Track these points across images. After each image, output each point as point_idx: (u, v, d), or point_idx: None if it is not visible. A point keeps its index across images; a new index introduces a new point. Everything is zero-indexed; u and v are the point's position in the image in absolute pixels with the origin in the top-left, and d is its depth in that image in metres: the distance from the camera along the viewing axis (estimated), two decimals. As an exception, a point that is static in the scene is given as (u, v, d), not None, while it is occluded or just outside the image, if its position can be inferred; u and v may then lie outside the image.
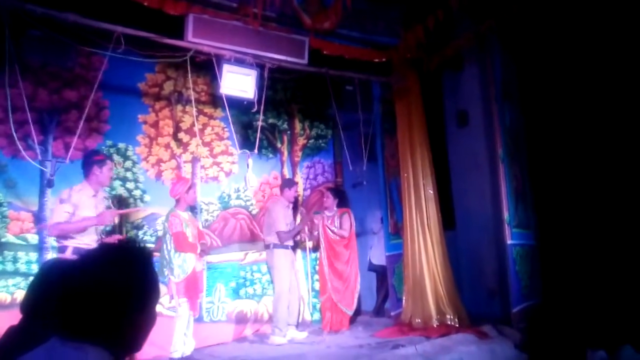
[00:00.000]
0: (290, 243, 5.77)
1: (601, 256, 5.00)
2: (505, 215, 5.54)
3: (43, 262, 4.36)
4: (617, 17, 4.87)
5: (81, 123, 4.54)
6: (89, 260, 1.28)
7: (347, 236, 6.02)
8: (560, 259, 5.38)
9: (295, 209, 6.20)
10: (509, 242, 5.51)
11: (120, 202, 5.22)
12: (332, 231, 6.02)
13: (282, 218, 5.65)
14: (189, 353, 4.78)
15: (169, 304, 4.98)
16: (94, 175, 4.25)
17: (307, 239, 6.08)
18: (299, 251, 6.41)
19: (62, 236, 4.09)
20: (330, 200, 6.15)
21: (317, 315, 6.39)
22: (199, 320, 5.34)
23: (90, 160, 4.30)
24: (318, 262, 6.24)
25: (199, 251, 4.92)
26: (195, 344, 4.92)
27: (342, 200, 6.30)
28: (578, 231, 5.23)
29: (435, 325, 5.41)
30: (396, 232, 6.23)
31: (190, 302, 4.78)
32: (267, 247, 5.73)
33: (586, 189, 5.32)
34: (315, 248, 6.33)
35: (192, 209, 5.48)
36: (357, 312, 6.40)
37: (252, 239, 6.11)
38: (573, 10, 5.14)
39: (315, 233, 6.16)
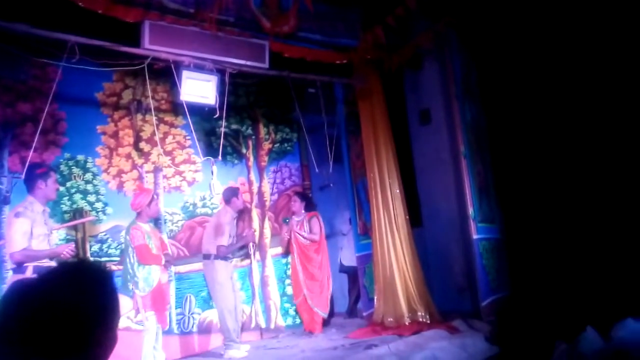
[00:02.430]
0: (230, 255, 5.52)
1: (565, 247, 5.13)
2: (470, 210, 5.64)
3: (10, 281, 4.18)
4: (575, 11, 5.01)
5: (36, 136, 4.39)
6: (47, 281, 1.25)
7: (317, 240, 6.00)
8: (526, 251, 5.51)
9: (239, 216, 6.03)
10: (474, 236, 5.62)
11: (78, 215, 5.08)
12: (302, 236, 5.99)
13: (227, 231, 5.37)
14: (160, 366, 4.69)
15: (136, 318, 4.87)
16: (39, 189, 4.06)
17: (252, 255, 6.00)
18: (270, 258, 6.38)
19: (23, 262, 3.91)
20: (297, 205, 6.12)
21: (290, 320, 6.35)
22: (169, 332, 5.25)
23: (33, 175, 4.09)
24: (290, 266, 6.21)
25: (163, 262, 4.83)
26: (165, 357, 4.83)
27: (310, 204, 6.26)
28: (542, 223, 5.36)
29: (407, 323, 5.46)
30: (365, 232, 6.26)
31: (158, 314, 4.69)
32: (206, 257, 5.39)
33: (548, 182, 5.45)
34: (286, 253, 6.31)
35: (156, 220, 5.38)
36: (331, 313, 6.41)
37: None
38: (530, 6, 5.27)
39: (286, 238, 6.13)
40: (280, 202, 6.69)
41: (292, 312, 6.42)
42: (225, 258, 5.37)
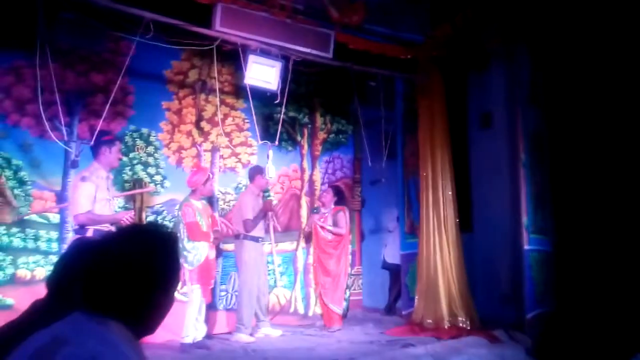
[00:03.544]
0: (261, 234, 5.50)
1: (617, 265, 4.93)
2: (524, 220, 5.49)
3: (71, 239, 4.41)
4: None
5: (107, 107, 4.60)
6: (116, 239, 1.31)
7: (343, 233, 5.86)
8: (577, 267, 5.32)
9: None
10: (526, 247, 5.48)
11: (137, 185, 5.29)
12: (326, 229, 5.85)
13: (250, 207, 5.37)
14: (200, 339, 4.85)
15: (182, 290, 5.04)
16: (104, 155, 4.23)
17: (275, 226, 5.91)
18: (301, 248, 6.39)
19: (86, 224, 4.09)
20: (329, 197, 5.99)
21: (318, 309, 6.40)
22: (212, 307, 5.40)
23: (99, 141, 4.28)
24: (313, 258, 6.11)
25: (212, 239, 4.96)
26: (207, 330, 4.98)
27: (341, 199, 6.17)
28: (595, 239, 5.17)
29: (446, 327, 5.39)
30: (412, 231, 6.21)
31: (203, 289, 4.84)
32: (236, 237, 5.45)
33: (606, 198, 5.24)
34: (308, 241, 6.28)
35: (209, 198, 5.53)
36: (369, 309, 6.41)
37: (269, 229, 6.14)
38: (602, 18, 5.06)
39: (307, 230, 6.10)
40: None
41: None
42: (255, 239, 5.39)
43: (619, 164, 5.17)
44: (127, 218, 4.16)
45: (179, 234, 4.84)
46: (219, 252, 5.50)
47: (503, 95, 5.89)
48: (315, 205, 6.31)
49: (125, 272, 1.22)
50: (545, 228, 5.76)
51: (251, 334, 5.27)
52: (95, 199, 4.10)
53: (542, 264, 5.61)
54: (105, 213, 4.18)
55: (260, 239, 5.48)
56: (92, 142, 4.38)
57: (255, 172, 5.57)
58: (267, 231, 5.73)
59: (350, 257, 6.47)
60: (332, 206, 5.98)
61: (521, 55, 5.82)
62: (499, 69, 6.00)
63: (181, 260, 4.78)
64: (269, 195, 6.17)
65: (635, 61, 5.01)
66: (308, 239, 6.18)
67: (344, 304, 5.84)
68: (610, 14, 5.02)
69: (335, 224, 5.86)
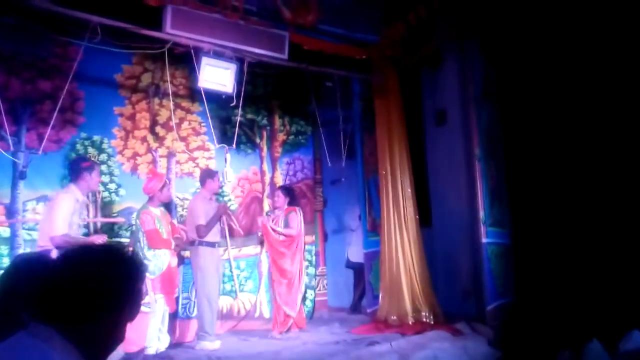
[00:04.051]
0: (217, 239, 5.35)
1: (573, 255, 5.09)
2: (481, 214, 5.60)
3: (15, 256, 4.26)
4: (595, 19, 4.95)
5: (55, 114, 4.44)
6: (68, 259, 1.27)
7: (294, 235, 5.68)
8: (534, 258, 5.47)
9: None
10: (484, 240, 5.59)
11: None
12: (277, 231, 5.68)
13: (202, 212, 5.19)
14: (164, 349, 4.74)
15: (144, 300, 4.91)
16: (84, 181, 4.27)
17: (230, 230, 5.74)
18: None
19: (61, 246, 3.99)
20: (280, 200, 5.81)
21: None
22: (175, 316, 5.29)
23: (79, 167, 4.33)
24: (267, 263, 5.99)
25: (173, 246, 4.87)
26: (171, 340, 4.88)
27: (293, 199, 5.99)
28: (551, 231, 5.32)
29: (410, 323, 5.45)
30: (374, 229, 6.26)
31: (167, 297, 4.74)
32: (191, 244, 5.23)
33: (560, 189, 5.40)
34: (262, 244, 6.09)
35: (167, 205, 5.41)
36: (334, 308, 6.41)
37: (230, 234, 6.06)
38: (552, 12, 5.21)
39: (259, 234, 5.91)
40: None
41: (308, 302, 6.44)
42: (211, 244, 5.23)
43: (571, 156, 5.33)
44: (100, 241, 4.10)
45: (138, 243, 4.72)
46: (181, 260, 5.38)
47: (456, 92, 6.00)
48: (268, 209, 6.23)
49: (76, 292, 1.19)
50: (503, 221, 5.90)
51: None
52: (71, 221, 4.09)
53: (501, 257, 5.74)
54: (77, 235, 4.18)
55: (216, 244, 5.34)
56: (40, 152, 4.24)
57: (206, 176, 5.41)
58: (223, 236, 5.57)
59: (310, 259, 6.48)
60: (286, 207, 5.82)
61: (473, 52, 5.94)
62: (452, 67, 6.10)
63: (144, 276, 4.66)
64: (223, 199, 6.08)
65: (584, 54, 5.17)
66: (262, 242, 5.97)
67: (301, 307, 5.70)
68: (560, 9, 5.17)
69: (287, 225, 5.72)
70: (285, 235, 5.69)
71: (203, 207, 5.24)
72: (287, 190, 6.02)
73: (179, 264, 5.21)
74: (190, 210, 5.36)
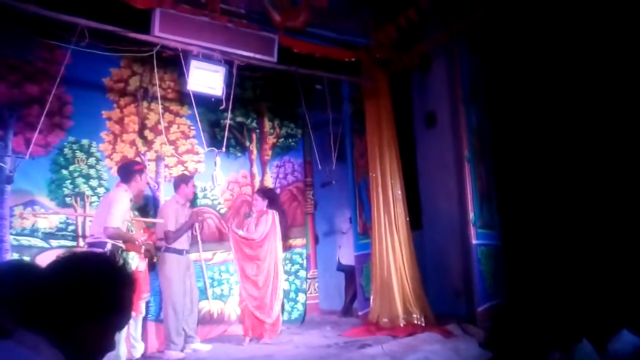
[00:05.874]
0: (186, 246, 5.19)
1: (563, 256, 5.12)
2: (471, 215, 5.63)
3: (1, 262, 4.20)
4: (583, 21, 4.99)
5: (42, 118, 4.40)
6: (56, 265, 1.27)
7: (255, 238, 5.48)
8: (524, 259, 5.50)
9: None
10: (474, 242, 5.61)
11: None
12: (238, 234, 5.51)
13: (173, 218, 5.07)
14: (138, 356, 4.67)
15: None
16: (135, 182, 4.61)
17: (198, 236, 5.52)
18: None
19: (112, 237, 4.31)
20: (259, 203, 5.67)
21: (286, 316, 6.35)
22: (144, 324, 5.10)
23: (131, 170, 4.67)
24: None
25: (142, 251, 4.68)
26: (147, 347, 4.80)
27: (273, 202, 5.81)
28: (541, 232, 5.35)
29: (402, 325, 5.46)
30: (365, 232, 6.25)
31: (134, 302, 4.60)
32: (157, 250, 5.11)
33: (549, 190, 5.44)
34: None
35: (144, 208, 5.38)
36: (326, 311, 6.39)
37: (220, 238, 6.02)
38: (540, 14, 5.25)
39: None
40: (282, 198, 6.68)
41: (287, 307, 6.44)
42: (179, 252, 5.09)
43: (560, 157, 5.38)
44: (142, 240, 4.55)
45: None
46: (153, 265, 5.16)
47: (446, 94, 6.04)
48: (245, 213, 6.13)
49: (64, 299, 1.19)
50: (492, 222, 5.93)
51: (181, 350, 4.99)
52: (123, 217, 4.38)
53: (491, 258, 5.77)
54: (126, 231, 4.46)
55: (185, 252, 5.17)
56: (27, 156, 4.20)
57: (180, 181, 5.31)
58: (194, 243, 5.41)
59: (301, 262, 6.44)
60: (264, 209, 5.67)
61: (462, 54, 5.97)
62: (441, 69, 6.14)
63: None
64: (213, 203, 6.02)
65: (572, 56, 5.21)
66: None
67: (278, 315, 5.52)
68: (548, 12, 5.21)
69: (254, 227, 5.59)
70: (245, 239, 5.52)
71: (174, 212, 5.13)
72: (264, 192, 5.88)
73: (150, 270, 5.03)
74: (160, 215, 5.23)
